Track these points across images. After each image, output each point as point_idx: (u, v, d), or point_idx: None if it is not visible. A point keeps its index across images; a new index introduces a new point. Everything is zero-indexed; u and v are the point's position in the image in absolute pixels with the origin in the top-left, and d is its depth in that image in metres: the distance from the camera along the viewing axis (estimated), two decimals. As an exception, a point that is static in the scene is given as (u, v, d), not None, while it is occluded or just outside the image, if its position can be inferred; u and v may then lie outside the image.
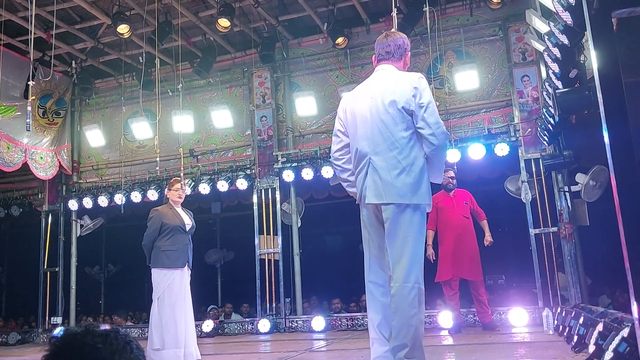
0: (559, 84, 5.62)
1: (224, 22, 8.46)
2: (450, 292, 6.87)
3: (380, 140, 3.21)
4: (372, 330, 3.25)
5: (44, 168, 9.94)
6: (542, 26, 5.79)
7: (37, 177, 10.04)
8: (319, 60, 9.63)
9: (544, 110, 7.08)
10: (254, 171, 9.43)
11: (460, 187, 7.21)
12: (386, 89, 3.26)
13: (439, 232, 7.01)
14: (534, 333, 6.47)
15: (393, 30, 3.91)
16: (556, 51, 5.11)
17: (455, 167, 7.61)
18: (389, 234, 3.17)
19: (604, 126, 2.32)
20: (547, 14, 5.42)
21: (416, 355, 3.04)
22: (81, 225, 10.43)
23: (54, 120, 10.22)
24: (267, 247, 9.10)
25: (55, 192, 10.56)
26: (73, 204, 10.17)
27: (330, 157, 8.93)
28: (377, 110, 3.25)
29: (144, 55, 9.06)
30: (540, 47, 6.19)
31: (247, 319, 9.31)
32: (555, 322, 6.17)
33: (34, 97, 9.06)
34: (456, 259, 6.80)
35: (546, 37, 5.22)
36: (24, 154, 9.53)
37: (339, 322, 8.53)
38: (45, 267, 10.21)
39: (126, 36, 8.65)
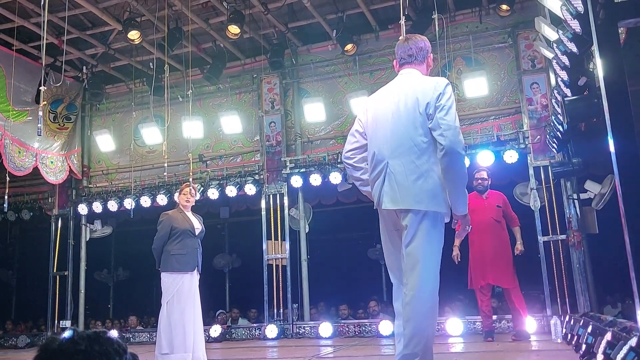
0: (567, 91, 5.61)
1: (233, 29, 8.52)
2: (481, 297, 6.60)
3: (399, 144, 3.13)
4: (397, 326, 3.20)
5: (54, 172, 10.02)
6: (551, 34, 5.79)
7: (47, 182, 10.11)
8: (327, 67, 9.67)
9: (553, 117, 7.07)
10: (262, 177, 9.46)
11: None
12: (409, 93, 3.18)
13: (469, 235, 6.60)
14: (542, 341, 6.43)
15: (412, 34, 3.83)
16: (565, 59, 5.10)
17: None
18: (405, 242, 3.10)
19: (610, 134, 2.32)
20: (556, 22, 5.42)
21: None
22: (91, 230, 10.51)
23: (64, 125, 10.30)
24: (275, 252, 9.12)
25: (65, 197, 10.64)
26: (83, 209, 10.25)
27: (341, 160, 8.97)
28: (399, 114, 3.18)
29: (154, 61, 9.14)
30: (550, 55, 6.18)
31: (254, 324, 9.32)
32: (564, 330, 6.14)
33: (45, 102, 9.15)
34: (488, 265, 6.52)
35: (555, 44, 5.22)
36: (34, 159, 9.61)
37: (347, 329, 8.52)
38: (54, 270, 10.29)
39: (137, 42, 8.72)
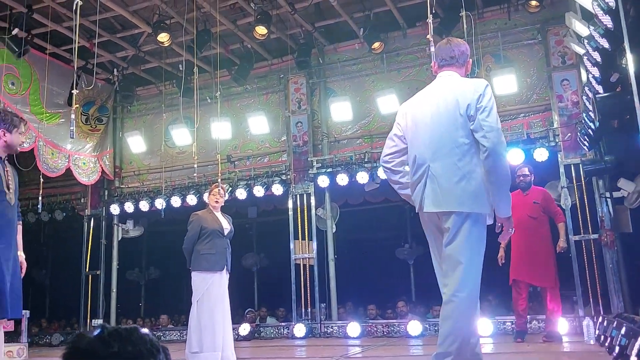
0: (599, 88, 5.51)
1: (261, 30, 8.57)
2: (515, 296, 6.48)
3: (440, 146, 3.12)
4: None
5: (86, 173, 10.22)
6: (582, 29, 5.69)
7: (80, 182, 10.33)
8: (354, 66, 9.65)
9: (584, 114, 6.94)
10: (289, 177, 9.50)
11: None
12: (449, 95, 3.18)
13: None
14: (574, 343, 6.33)
15: (452, 37, 3.81)
16: (596, 55, 5.01)
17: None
18: (446, 243, 3.09)
19: (643, 132, 2.27)
20: (588, 17, 5.32)
21: None
22: (123, 230, 10.69)
23: (96, 126, 10.50)
24: (302, 252, 9.15)
25: (97, 197, 10.84)
26: (115, 209, 10.43)
27: (368, 159, 8.94)
28: (439, 116, 3.17)
29: (183, 63, 9.24)
30: (581, 51, 6.07)
31: (282, 323, 9.37)
32: (597, 332, 6.02)
33: (77, 105, 9.33)
34: (521, 261, 6.38)
35: (586, 40, 5.13)
36: (67, 160, 9.81)
37: (375, 329, 8.51)
38: (87, 270, 10.48)
39: (166, 44, 8.84)
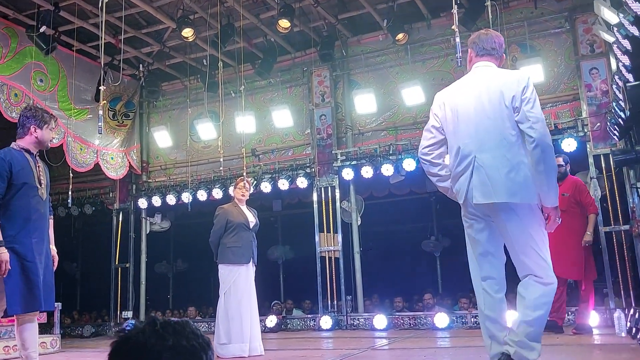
0: (629, 76, 5.40)
1: (284, 23, 8.57)
2: None
3: (487, 138, 3.15)
4: (489, 329, 3.25)
5: (114, 168, 10.37)
6: (611, 17, 5.57)
7: (108, 177, 10.48)
8: (378, 57, 9.60)
9: (614, 104, 6.81)
10: (313, 170, 9.51)
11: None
12: (492, 86, 3.20)
13: None
14: (605, 335, 6.24)
15: (488, 29, 3.81)
16: (626, 43, 4.91)
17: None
18: (510, 237, 3.15)
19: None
20: (617, 4, 5.22)
21: (537, 339, 3.13)
22: (151, 223, 10.84)
23: (123, 122, 10.64)
24: (328, 244, 9.17)
25: (125, 191, 11.00)
26: (143, 203, 10.57)
27: (393, 151, 8.88)
28: (482, 108, 3.19)
29: (207, 57, 9.29)
30: (610, 39, 5.95)
31: (309, 315, 9.41)
32: (628, 324, 5.93)
33: (105, 102, 9.46)
34: (554, 254, 6.39)
35: (615, 28, 5.02)
36: (95, 155, 9.96)
37: (401, 321, 8.50)
38: (116, 263, 10.66)
39: (190, 39, 8.90)
